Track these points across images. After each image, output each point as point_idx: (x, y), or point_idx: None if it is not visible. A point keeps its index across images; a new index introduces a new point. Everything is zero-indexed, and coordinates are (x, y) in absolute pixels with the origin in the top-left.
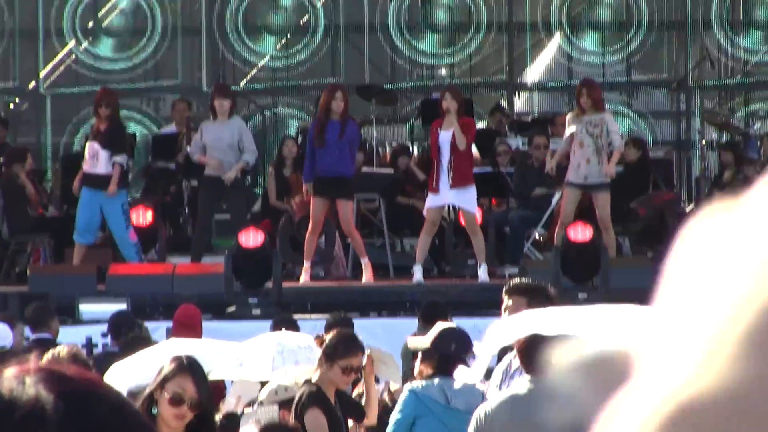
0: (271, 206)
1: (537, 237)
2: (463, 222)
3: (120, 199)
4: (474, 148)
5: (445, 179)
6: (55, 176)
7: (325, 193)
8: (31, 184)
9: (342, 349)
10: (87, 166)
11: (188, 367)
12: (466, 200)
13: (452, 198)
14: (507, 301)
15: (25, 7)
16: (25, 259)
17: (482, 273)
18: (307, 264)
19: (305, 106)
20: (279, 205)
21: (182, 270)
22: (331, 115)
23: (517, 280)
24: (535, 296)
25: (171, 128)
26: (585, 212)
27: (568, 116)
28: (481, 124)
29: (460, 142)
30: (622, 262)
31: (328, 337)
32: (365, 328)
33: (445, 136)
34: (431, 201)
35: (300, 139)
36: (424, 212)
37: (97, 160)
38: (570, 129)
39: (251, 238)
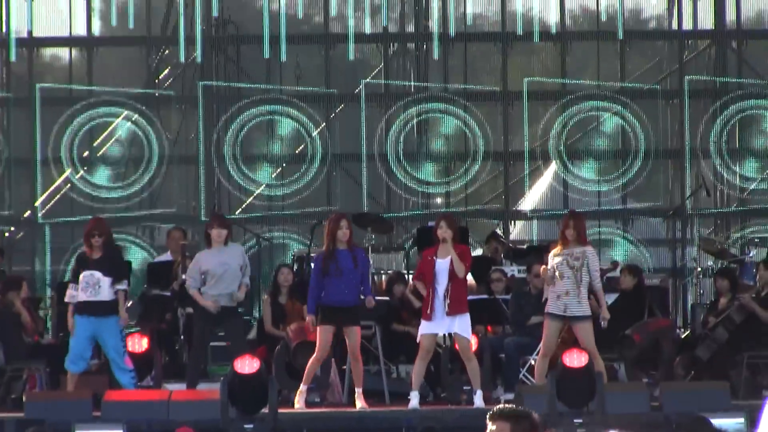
0: (266, 333)
1: (533, 363)
2: (458, 348)
3: (119, 325)
4: (470, 276)
5: (441, 307)
6: (52, 304)
7: (333, 321)
8: (27, 311)
9: None
10: (84, 295)
11: None
12: (462, 327)
13: (449, 326)
14: (491, 426)
15: (21, 136)
16: (21, 385)
17: (478, 399)
18: (303, 388)
19: (301, 234)
20: (274, 331)
21: (178, 396)
22: (337, 244)
23: (501, 405)
24: (518, 422)
25: (166, 256)
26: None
27: (552, 249)
28: (476, 252)
29: (459, 270)
30: (617, 387)
31: None
32: None
33: (442, 265)
34: (426, 328)
35: (296, 266)
36: (418, 339)
37: (98, 287)
38: (553, 260)
39: (247, 364)
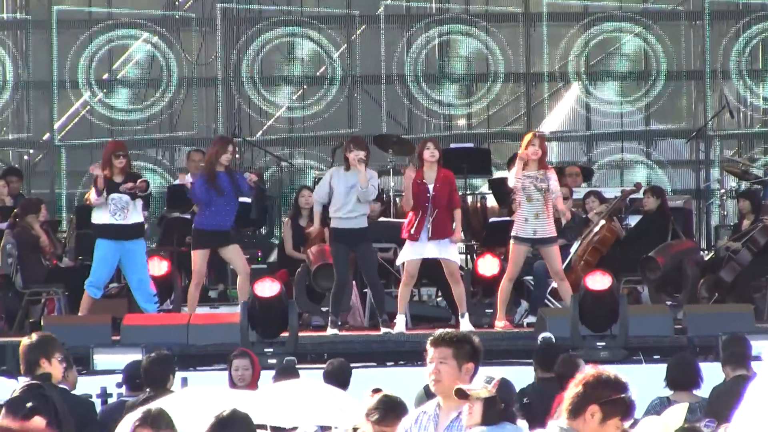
0: (287, 256)
1: (554, 286)
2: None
3: (144, 248)
4: (491, 198)
5: (425, 232)
6: (70, 227)
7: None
8: (45, 234)
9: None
10: (113, 218)
11: (151, 420)
12: (448, 252)
13: (432, 250)
14: (432, 351)
15: (39, 59)
16: (40, 309)
17: (465, 322)
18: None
19: (321, 157)
20: (295, 254)
21: (198, 320)
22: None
23: (442, 330)
24: (460, 346)
25: (187, 178)
26: (603, 261)
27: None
28: (499, 174)
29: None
30: (640, 310)
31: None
32: (383, 376)
33: (430, 188)
34: (410, 253)
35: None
36: (399, 263)
37: (127, 211)
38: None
39: (267, 288)
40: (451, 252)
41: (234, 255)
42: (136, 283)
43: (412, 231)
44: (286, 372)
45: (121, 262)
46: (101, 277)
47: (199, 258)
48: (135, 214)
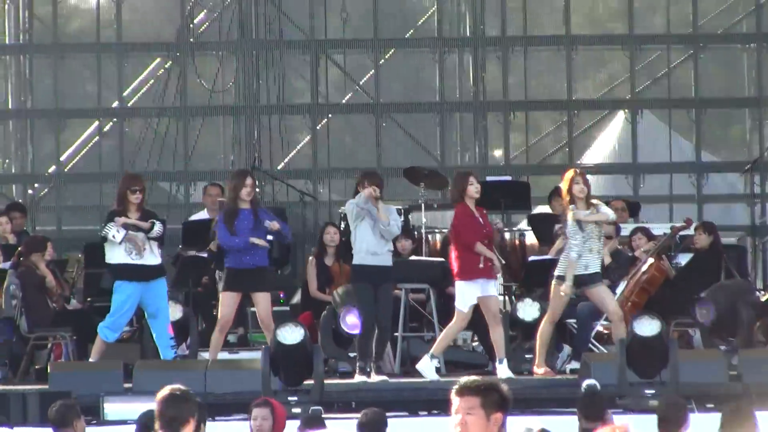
0: (311, 297)
1: (600, 330)
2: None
3: (165, 289)
4: (531, 235)
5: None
6: (78, 266)
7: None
8: (52, 274)
9: None
10: (129, 258)
11: None
12: (491, 288)
13: (483, 288)
14: (457, 401)
15: (43, 86)
16: (46, 355)
17: (504, 369)
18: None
19: (347, 191)
20: (320, 296)
21: (216, 366)
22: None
23: (467, 378)
24: (488, 395)
25: (203, 215)
26: (651, 302)
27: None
28: (539, 209)
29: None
30: (692, 355)
31: None
32: (416, 427)
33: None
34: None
35: (343, 225)
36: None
37: (144, 251)
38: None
39: (290, 332)
40: (493, 288)
41: (262, 304)
42: (158, 328)
43: (481, 266)
44: (312, 422)
45: (142, 304)
46: (120, 322)
47: (227, 301)
48: (151, 255)
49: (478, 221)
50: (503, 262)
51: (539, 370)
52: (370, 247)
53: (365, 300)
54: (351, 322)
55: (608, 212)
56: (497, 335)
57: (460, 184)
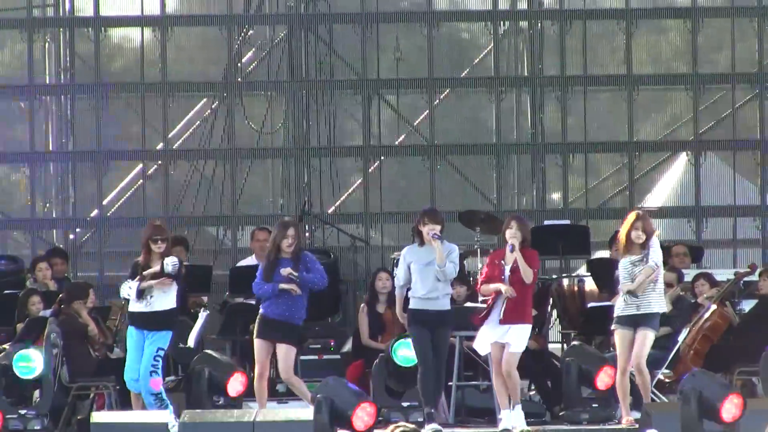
0: (363, 346)
1: (661, 378)
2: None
3: (168, 341)
4: (590, 281)
5: (496, 314)
6: (122, 314)
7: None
8: (94, 322)
9: None
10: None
11: None
12: (518, 339)
13: (502, 334)
14: None
15: (86, 127)
16: (88, 405)
17: (517, 415)
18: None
19: (401, 236)
20: (372, 344)
21: (265, 416)
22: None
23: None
24: None
25: (251, 260)
26: (714, 350)
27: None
28: (599, 254)
29: (526, 275)
30: (756, 404)
31: None
32: None
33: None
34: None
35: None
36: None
37: (151, 297)
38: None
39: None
40: (519, 340)
41: (282, 355)
42: (143, 374)
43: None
44: None
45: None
46: (132, 368)
47: (258, 347)
48: (162, 300)
49: (499, 266)
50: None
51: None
52: (426, 291)
53: (422, 345)
54: None
55: (650, 264)
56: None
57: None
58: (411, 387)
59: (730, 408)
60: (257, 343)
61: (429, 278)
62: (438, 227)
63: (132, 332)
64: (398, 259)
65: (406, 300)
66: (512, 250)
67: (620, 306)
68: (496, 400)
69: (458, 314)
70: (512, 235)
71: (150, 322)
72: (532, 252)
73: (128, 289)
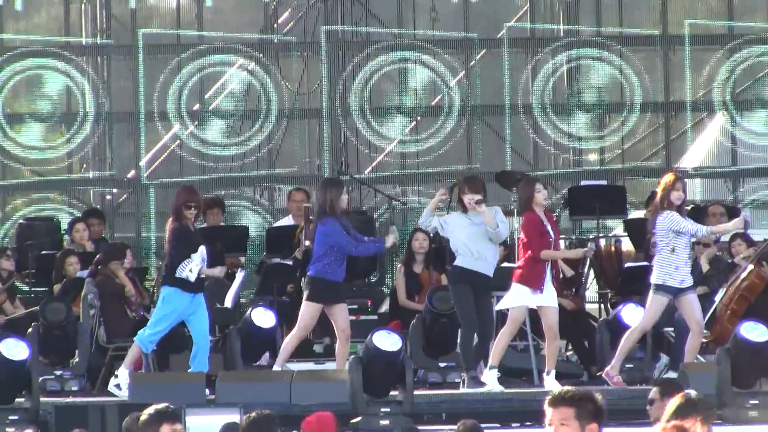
0: (400, 306)
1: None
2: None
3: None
4: (627, 242)
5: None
6: (158, 274)
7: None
8: (131, 283)
9: None
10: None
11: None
12: (552, 298)
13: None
14: (551, 412)
15: (123, 88)
16: None
17: (551, 381)
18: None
19: None
20: (409, 304)
21: (302, 377)
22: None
23: (562, 388)
24: (582, 405)
25: (287, 221)
26: (751, 310)
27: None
28: (634, 214)
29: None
30: None
31: None
32: None
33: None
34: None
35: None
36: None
37: (202, 262)
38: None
39: (388, 341)
40: (553, 299)
41: (343, 313)
42: (204, 341)
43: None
44: None
45: (189, 319)
46: (164, 330)
47: (313, 311)
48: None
49: (547, 229)
50: (567, 275)
51: (612, 375)
52: (477, 252)
53: (466, 304)
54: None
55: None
56: (552, 347)
57: (527, 191)
58: (449, 344)
59: None
60: (312, 307)
61: (479, 239)
62: (478, 196)
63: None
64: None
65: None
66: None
67: (671, 275)
68: (533, 361)
69: (496, 274)
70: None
71: (199, 285)
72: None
73: (189, 272)
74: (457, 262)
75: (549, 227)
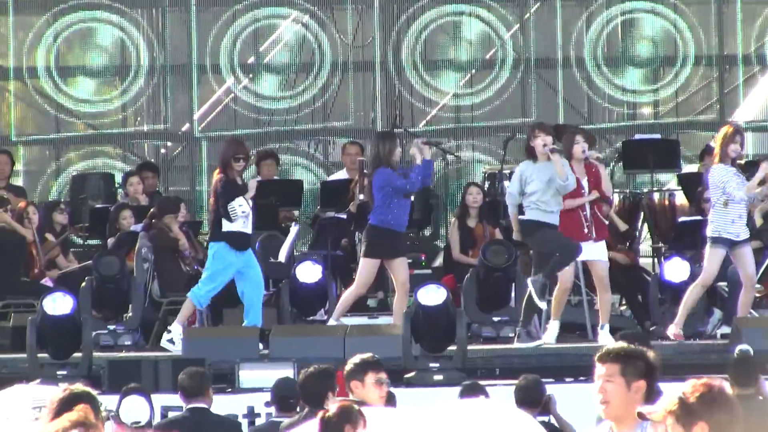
0: (454, 260)
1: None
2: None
3: None
4: (681, 195)
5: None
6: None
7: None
8: (185, 237)
9: None
10: (240, 226)
11: None
12: (601, 251)
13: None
14: (600, 368)
15: (176, 41)
16: None
17: (605, 335)
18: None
19: (492, 150)
20: (463, 258)
21: (355, 332)
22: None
23: (613, 345)
24: (630, 362)
25: (341, 174)
26: None
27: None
28: (689, 168)
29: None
30: None
31: None
32: (560, 393)
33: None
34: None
35: (487, 185)
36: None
37: (249, 218)
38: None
39: (432, 294)
40: (600, 251)
41: (400, 267)
42: (257, 296)
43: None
44: (474, 391)
45: (240, 274)
46: (220, 287)
47: (372, 266)
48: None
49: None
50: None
51: (673, 331)
52: (556, 207)
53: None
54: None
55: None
56: (604, 301)
57: (567, 143)
58: (503, 298)
59: None
60: (370, 263)
61: (548, 194)
62: (550, 138)
63: (231, 254)
64: (491, 173)
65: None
66: (553, 152)
67: (726, 227)
68: (587, 315)
69: None
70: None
71: (248, 242)
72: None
73: (239, 206)
74: (534, 217)
75: (585, 180)
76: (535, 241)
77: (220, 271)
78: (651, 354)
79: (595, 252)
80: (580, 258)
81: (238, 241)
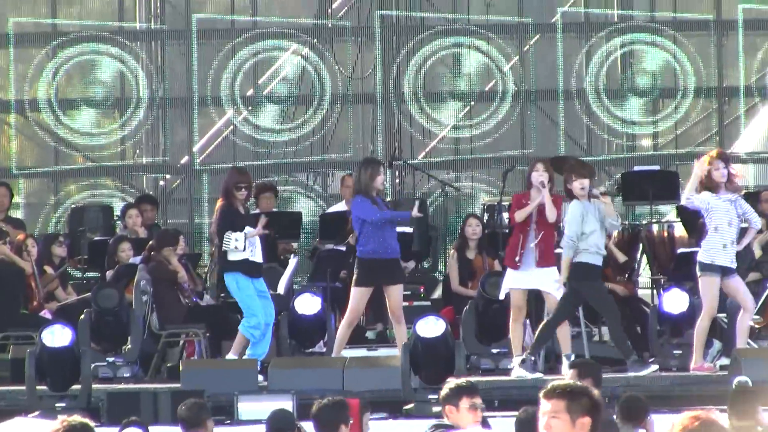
0: (453, 292)
1: (752, 324)
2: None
3: None
4: (680, 227)
5: (531, 257)
6: (212, 261)
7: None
8: (184, 269)
9: None
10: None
11: None
12: (551, 284)
13: (535, 281)
14: (544, 404)
15: (176, 73)
16: (178, 352)
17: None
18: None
19: (491, 181)
20: (462, 290)
21: (354, 364)
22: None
23: (556, 382)
24: (575, 399)
25: (340, 206)
26: None
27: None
28: None
29: (550, 215)
30: None
31: None
32: None
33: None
34: (513, 281)
35: (486, 217)
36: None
37: (255, 247)
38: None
39: (430, 327)
40: (552, 284)
41: (392, 294)
42: (265, 327)
43: (516, 259)
44: None
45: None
46: (256, 316)
47: (361, 295)
48: (259, 252)
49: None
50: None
51: (699, 364)
52: (600, 246)
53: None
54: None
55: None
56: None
57: (529, 170)
58: (501, 330)
59: None
60: (358, 291)
61: (599, 233)
62: (586, 181)
63: (247, 281)
64: (489, 205)
65: (492, 248)
66: (543, 187)
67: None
68: (585, 347)
69: None
70: (539, 175)
71: (258, 271)
72: (557, 197)
73: (235, 241)
74: (583, 259)
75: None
76: (587, 290)
77: (251, 297)
78: (595, 392)
79: (537, 281)
80: (532, 286)
81: (251, 270)
